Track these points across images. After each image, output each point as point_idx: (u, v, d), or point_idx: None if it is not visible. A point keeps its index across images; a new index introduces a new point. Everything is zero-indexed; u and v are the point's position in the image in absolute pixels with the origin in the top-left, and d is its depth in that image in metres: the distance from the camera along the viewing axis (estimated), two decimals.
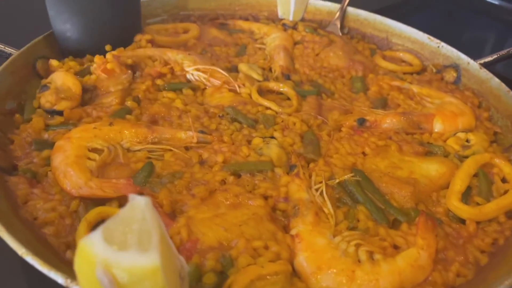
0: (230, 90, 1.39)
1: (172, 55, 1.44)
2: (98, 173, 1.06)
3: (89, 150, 1.11)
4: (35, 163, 1.10)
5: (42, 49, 1.40)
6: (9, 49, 1.37)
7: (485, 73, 1.48)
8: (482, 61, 1.55)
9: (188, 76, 1.42)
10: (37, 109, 1.26)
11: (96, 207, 0.99)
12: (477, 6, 2.43)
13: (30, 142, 1.16)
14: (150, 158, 1.14)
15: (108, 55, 1.37)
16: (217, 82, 1.40)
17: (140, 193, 1.02)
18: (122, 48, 1.43)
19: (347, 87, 1.52)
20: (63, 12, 1.37)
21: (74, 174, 1.03)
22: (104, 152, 1.10)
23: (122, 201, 1.01)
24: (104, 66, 1.34)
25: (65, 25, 1.39)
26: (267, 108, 1.34)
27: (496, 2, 2.42)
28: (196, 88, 1.40)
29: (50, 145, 1.14)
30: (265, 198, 1.06)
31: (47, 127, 1.22)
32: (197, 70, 1.41)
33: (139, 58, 1.41)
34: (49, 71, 1.38)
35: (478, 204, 1.11)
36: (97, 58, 1.37)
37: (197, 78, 1.41)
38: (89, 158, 1.09)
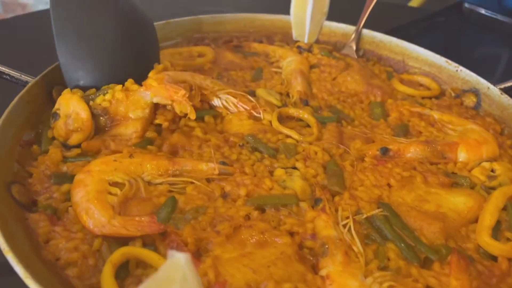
0: (250, 117, 1.37)
1: (201, 80, 1.39)
2: (120, 209, 1.04)
3: (110, 184, 1.09)
4: (55, 198, 1.08)
5: (58, 76, 1.37)
6: (25, 77, 1.35)
7: (507, 99, 1.46)
8: (502, 86, 1.52)
9: (216, 101, 1.38)
10: (54, 140, 1.24)
11: (119, 245, 0.97)
12: (489, 25, 2.41)
13: (49, 175, 1.13)
14: (171, 191, 1.12)
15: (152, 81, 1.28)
16: (245, 108, 1.36)
17: (164, 231, 1.00)
18: (155, 72, 1.33)
19: (366, 113, 1.49)
20: (76, 58, 1.30)
21: (97, 212, 1.00)
22: (126, 187, 1.08)
23: (146, 240, 0.99)
24: None
25: (77, 73, 1.30)
26: (288, 136, 1.32)
27: (506, 20, 2.41)
28: (217, 116, 1.37)
29: (69, 178, 1.11)
30: (291, 234, 1.04)
31: (65, 158, 1.19)
32: (229, 93, 1.37)
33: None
34: None
35: (508, 239, 1.08)
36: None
37: (225, 103, 1.37)
38: (110, 193, 1.06)
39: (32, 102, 1.28)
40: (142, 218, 1.01)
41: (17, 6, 4.85)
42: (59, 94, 1.35)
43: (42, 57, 1.43)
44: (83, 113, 1.24)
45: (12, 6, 4.88)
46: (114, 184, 1.09)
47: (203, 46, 1.74)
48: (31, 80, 1.32)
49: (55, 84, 1.36)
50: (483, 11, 2.40)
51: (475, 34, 2.37)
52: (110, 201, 1.04)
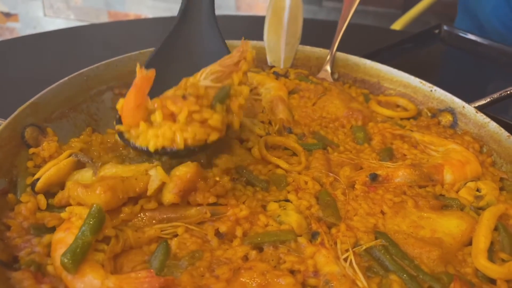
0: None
1: None
2: (110, 266, 0.96)
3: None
4: (38, 252, 0.99)
5: (29, 116, 1.29)
6: None
7: (482, 117, 1.50)
8: (476, 104, 1.57)
9: None
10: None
11: None
12: (468, 47, 2.47)
13: (28, 227, 1.05)
14: (161, 237, 1.05)
15: None
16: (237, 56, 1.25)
17: (165, 284, 0.93)
18: None
19: (349, 137, 1.49)
20: None
21: (86, 275, 0.92)
22: (112, 241, 0.99)
23: None
24: None
25: None
26: (277, 166, 1.30)
27: (485, 42, 2.47)
28: None
29: (50, 229, 1.04)
30: (292, 272, 1.01)
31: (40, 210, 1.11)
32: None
33: None
34: (38, 140, 1.28)
35: (503, 260, 1.09)
36: None
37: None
38: (96, 249, 0.97)
39: (3, 147, 1.19)
40: (139, 274, 0.93)
41: (5, 30, 4.69)
42: (32, 135, 1.28)
43: (10, 101, 1.35)
44: None
45: (0, 30, 4.71)
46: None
47: None
48: (1, 123, 1.23)
49: (27, 125, 1.27)
50: (461, 33, 2.49)
51: (454, 56, 2.44)
52: (99, 259, 0.96)
